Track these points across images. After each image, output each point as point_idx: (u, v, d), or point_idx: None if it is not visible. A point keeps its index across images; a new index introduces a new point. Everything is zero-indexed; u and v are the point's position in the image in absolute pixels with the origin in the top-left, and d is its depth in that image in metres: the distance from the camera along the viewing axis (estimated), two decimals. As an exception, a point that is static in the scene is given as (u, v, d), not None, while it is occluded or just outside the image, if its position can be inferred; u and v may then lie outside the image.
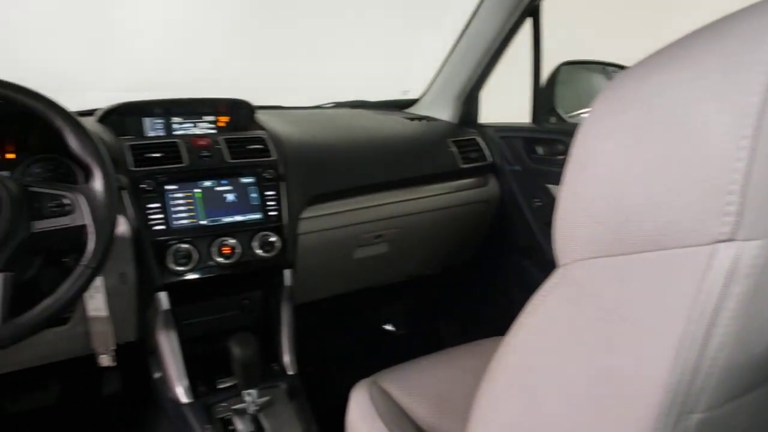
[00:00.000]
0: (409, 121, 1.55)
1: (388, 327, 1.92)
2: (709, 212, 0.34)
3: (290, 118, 1.39)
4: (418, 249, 1.53)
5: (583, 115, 1.60)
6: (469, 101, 1.60)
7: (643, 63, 0.41)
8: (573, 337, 0.47)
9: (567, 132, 1.39)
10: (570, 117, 1.54)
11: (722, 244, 0.34)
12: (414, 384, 0.98)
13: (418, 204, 1.40)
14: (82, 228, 0.83)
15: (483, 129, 1.58)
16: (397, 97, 1.78)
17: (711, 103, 0.34)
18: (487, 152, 1.52)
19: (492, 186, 1.52)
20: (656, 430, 0.40)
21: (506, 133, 1.54)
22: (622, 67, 1.59)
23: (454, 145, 1.48)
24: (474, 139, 1.53)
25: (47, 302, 0.79)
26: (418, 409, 0.93)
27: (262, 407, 1.04)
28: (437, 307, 1.90)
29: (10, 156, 1.03)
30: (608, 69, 1.65)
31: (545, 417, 0.50)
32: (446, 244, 1.59)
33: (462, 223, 1.53)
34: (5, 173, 0.81)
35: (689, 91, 0.36)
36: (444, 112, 1.62)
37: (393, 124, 1.52)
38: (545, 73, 1.50)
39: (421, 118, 1.60)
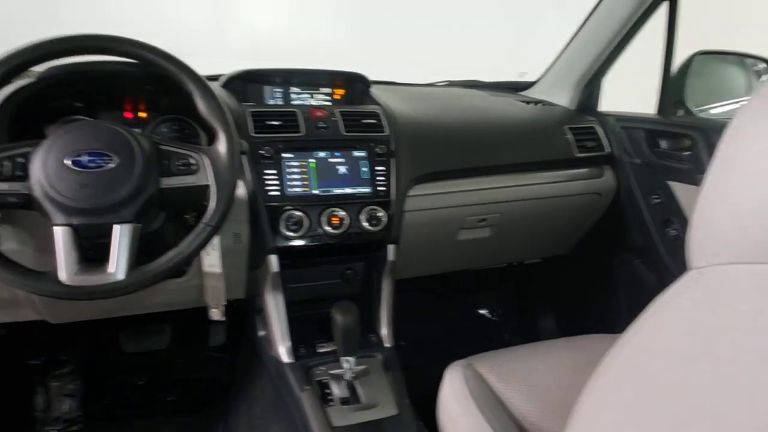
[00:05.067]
0: (524, 104, 1.50)
1: (483, 312, 1.91)
2: None
3: (403, 94, 1.39)
4: (521, 236, 1.49)
5: (714, 110, 1.48)
6: (590, 87, 1.53)
7: None
8: (701, 345, 0.44)
9: (696, 127, 1.29)
10: (700, 111, 1.42)
11: None
12: (509, 371, 0.97)
13: (527, 190, 1.36)
14: (206, 188, 0.87)
15: (603, 117, 1.50)
16: (513, 79, 1.73)
17: None
18: (605, 142, 1.45)
19: (607, 178, 1.44)
20: None
21: (628, 123, 1.45)
22: (766, 60, 1.44)
23: (570, 132, 1.42)
24: (592, 127, 1.46)
25: (170, 254, 0.84)
26: (513, 396, 0.92)
27: (359, 375, 1.06)
28: (535, 296, 1.85)
29: (143, 115, 1.11)
30: (747, 61, 1.50)
31: (656, 426, 0.47)
32: (551, 233, 1.54)
33: (570, 213, 1.47)
34: (137, 130, 0.87)
35: None
36: (562, 97, 1.55)
37: (507, 106, 1.48)
38: (677, 62, 1.39)
39: (537, 101, 1.55)
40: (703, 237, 0.44)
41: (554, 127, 1.42)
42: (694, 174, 1.28)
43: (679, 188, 1.32)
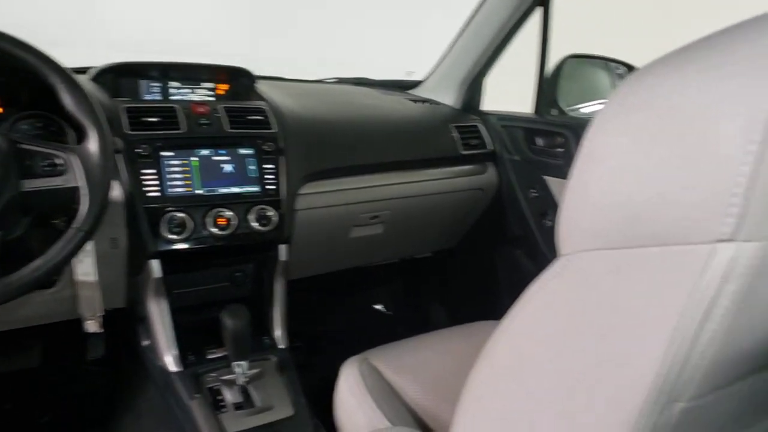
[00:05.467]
0: (411, 102, 1.54)
1: (379, 307, 1.93)
2: (713, 212, 0.36)
3: (291, 90, 1.37)
4: (412, 232, 1.53)
5: (583, 110, 1.60)
6: (473, 87, 1.59)
7: (660, 62, 0.42)
8: (570, 326, 0.48)
9: (568, 125, 1.39)
10: (571, 110, 1.53)
11: (722, 244, 0.36)
12: (404, 362, 0.99)
13: (416, 187, 1.39)
14: (75, 190, 0.80)
15: (485, 116, 1.57)
16: (400, 78, 1.76)
17: (725, 107, 0.36)
18: (487, 140, 1.52)
19: (490, 174, 1.52)
20: (642, 417, 0.41)
21: (508, 122, 1.53)
22: (626, 64, 1.58)
23: (455, 130, 1.47)
24: (476, 126, 1.52)
25: (36, 263, 0.77)
26: (408, 387, 0.94)
27: (252, 379, 1.04)
28: (427, 289, 1.91)
29: None
30: (611, 65, 1.64)
31: (537, 402, 0.51)
32: (439, 228, 1.59)
33: (457, 208, 1.53)
34: None
35: (705, 93, 0.37)
36: (447, 96, 1.61)
37: (396, 104, 1.50)
38: (550, 64, 1.49)
39: (424, 100, 1.59)
40: (569, 227, 0.47)
41: (440, 126, 1.46)
42: (566, 169, 1.38)
43: (553, 182, 1.42)
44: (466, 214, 1.57)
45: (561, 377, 0.48)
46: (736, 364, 0.41)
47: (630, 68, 1.56)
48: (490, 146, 1.51)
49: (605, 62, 1.65)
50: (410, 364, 0.99)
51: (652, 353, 0.40)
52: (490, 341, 0.58)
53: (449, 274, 1.82)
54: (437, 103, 1.59)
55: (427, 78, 1.69)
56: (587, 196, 0.45)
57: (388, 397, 0.91)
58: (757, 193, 0.35)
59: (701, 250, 0.37)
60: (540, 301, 0.51)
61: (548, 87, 1.49)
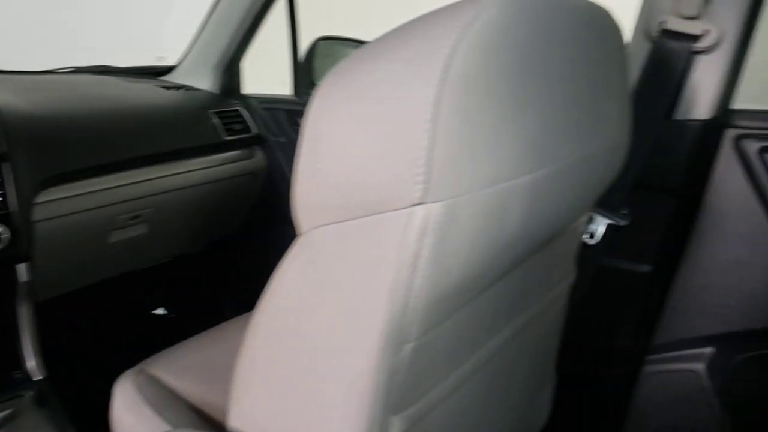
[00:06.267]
0: (164, 90, 1.44)
1: (159, 311, 1.81)
2: (406, 182, 0.42)
3: (13, 85, 1.18)
4: (183, 226, 1.46)
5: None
6: (231, 71, 1.56)
7: (362, 51, 0.47)
8: (314, 294, 0.52)
9: None
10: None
11: (417, 207, 0.43)
12: (183, 365, 0.95)
13: (179, 180, 1.32)
14: None
15: (246, 100, 1.55)
16: (150, 64, 1.64)
17: (404, 91, 0.42)
18: (251, 124, 1.50)
19: (258, 158, 1.51)
20: (381, 360, 0.48)
21: (270, 104, 1.54)
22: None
23: (216, 116, 1.43)
24: (237, 110, 1.50)
25: None
26: (191, 388, 0.90)
27: (5, 421, 0.91)
28: (211, 284, 1.85)
29: None
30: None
31: (295, 368, 0.55)
32: (214, 218, 1.54)
33: (228, 197, 1.50)
34: None
35: (390, 79, 0.43)
36: (204, 81, 1.55)
37: (145, 93, 1.39)
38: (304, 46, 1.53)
39: (178, 87, 1.50)
40: (301, 205, 0.50)
41: (198, 113, 1.40)
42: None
43: None
44: (240, 201, 1.55)
45: (311, 341, 0.52)
46: (443, 303, 0.49)
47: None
48: (254, 130, 1.50)
49: (356, 43, 1.74)
50: (188, 364, 0.95)
51: (378, 306, 0.46)
52: (250, 323, 0.59)
53: (233, 265, 1.79)
54: (194, 89, 1.52)
55: (180, 63, 1.60)
56: (313, 176, 0.48)
57: (169, 403, 0.87)
58: (435, 164, 0.41)
59: (402, 214, 0.43)
60: (288, 279, 0.55)
61: (304, 68, 1.52)
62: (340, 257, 0.48)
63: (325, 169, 0.47)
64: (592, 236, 0.96)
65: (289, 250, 0.54)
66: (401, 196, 0.42)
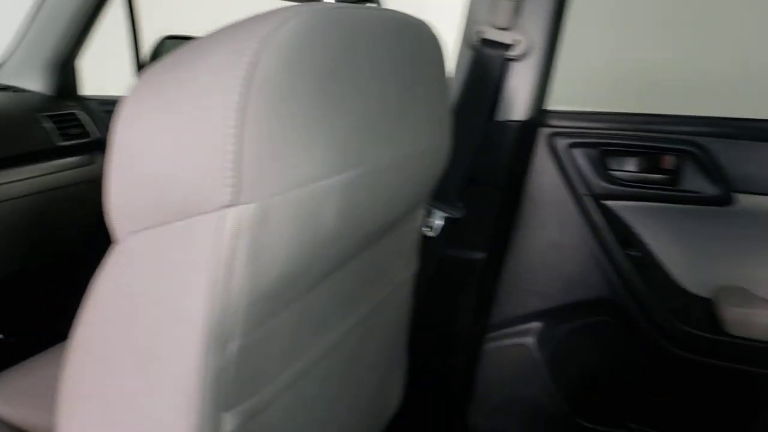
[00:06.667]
0: (-14, 92, 1.31)
1: (-2, 337, 1.63)
2: (216, 185, 0.44)
3: None
4: (18, 242, 1.33)
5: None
6: (66, 71, 1.45)
7: (170, 59, 0.47)
8: (132, 302, 0.51)
9: None
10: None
11: (229, 209, 0.44)
12: (13, 389, 0.88)
13: (6, 190, 1.21)
14: None
15: (85, 102, 1.46)
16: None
17: (210, 99, 0.43)
18: (91, 127, 1.41)
19: (99, 164, 1.42)
20: (206, 360, 0.48)
21: (111, 107, 1.46)
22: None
23: (48, 120, 1.32)
24: (74, 113, 1.40)
25: None
26: (17, 414, 0.84)
27: None
28: (57, 300, 1.70)
29: None
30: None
31: (121, 380, 0.54)
32: (52, 232, 1.42)
33: (67, 206, 1.39)
34: None
35: (196, 88, 0.44)
36: (33, 82, 1.42)
37: (-39, 95, 1.26)
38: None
39: (4, 88, 1.38)
40: (115, 212, 0.50)
41: (28, 116, 1.29)
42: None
43: None
44: (81, 211, 1.45)
45: (133, 354, 0.51)
46: (270, 299, 0.51)
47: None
48: (95, 134, 1.41)
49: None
50: (22, 389, 0.88)
51: (197, 307, 0.47)
52: (70, 342, 0.57)
53: (81, 278, 1.65)
54: (22, 91, 1.40)
55: (5, 62, 1.46)
56: (124, 183, 0.48)
57: None
58: (244, 167, 0.43)
59: (214, 216, 0.44)
60: (106, 286, 0.53)
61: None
62: (155, 262, 0.48)
63: (136, 176, 0.47)
64: (431, 228, 1.04)
65: (103, 259, 0.53)
66: (212, 199, 0.44)
